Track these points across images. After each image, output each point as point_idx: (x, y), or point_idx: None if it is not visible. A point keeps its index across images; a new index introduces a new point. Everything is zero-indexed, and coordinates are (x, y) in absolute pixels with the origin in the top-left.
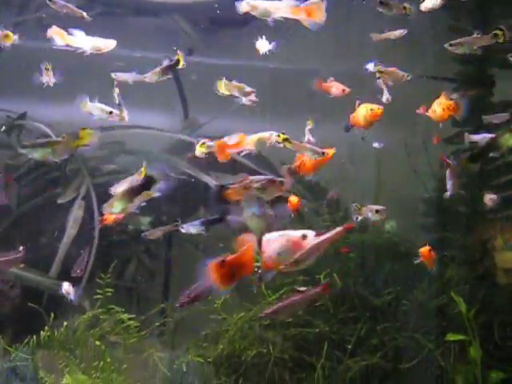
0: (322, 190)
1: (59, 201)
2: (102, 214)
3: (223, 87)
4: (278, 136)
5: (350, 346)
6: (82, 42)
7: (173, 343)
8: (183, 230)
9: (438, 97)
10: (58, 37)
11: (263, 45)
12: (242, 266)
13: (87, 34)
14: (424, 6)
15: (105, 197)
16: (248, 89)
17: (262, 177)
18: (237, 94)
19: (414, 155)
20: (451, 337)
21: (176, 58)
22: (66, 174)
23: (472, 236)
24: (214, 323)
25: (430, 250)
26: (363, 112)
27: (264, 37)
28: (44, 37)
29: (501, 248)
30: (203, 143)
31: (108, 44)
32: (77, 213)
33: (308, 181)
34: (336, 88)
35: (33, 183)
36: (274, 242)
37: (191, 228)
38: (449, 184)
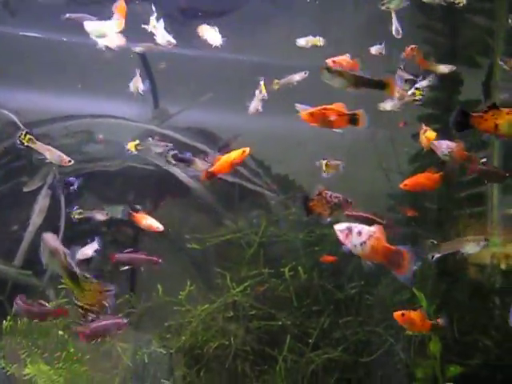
0: (290, 184)
1: (25, 189)
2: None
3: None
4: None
5: (312, 340)
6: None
7: (136, 334)
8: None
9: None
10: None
11: (214, 37)
12: None
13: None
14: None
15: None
16: None
17: (339, 195)
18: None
19: (382, 150)
20: (411, 331)
21: None
22: (33, 163)
23: (437, 232)
24: (178, 315)
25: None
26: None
27: (217, 29)
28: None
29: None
30: None
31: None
32: (42, 202)
33: (276, 174)
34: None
35: None
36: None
37: (112, 212)
38: None
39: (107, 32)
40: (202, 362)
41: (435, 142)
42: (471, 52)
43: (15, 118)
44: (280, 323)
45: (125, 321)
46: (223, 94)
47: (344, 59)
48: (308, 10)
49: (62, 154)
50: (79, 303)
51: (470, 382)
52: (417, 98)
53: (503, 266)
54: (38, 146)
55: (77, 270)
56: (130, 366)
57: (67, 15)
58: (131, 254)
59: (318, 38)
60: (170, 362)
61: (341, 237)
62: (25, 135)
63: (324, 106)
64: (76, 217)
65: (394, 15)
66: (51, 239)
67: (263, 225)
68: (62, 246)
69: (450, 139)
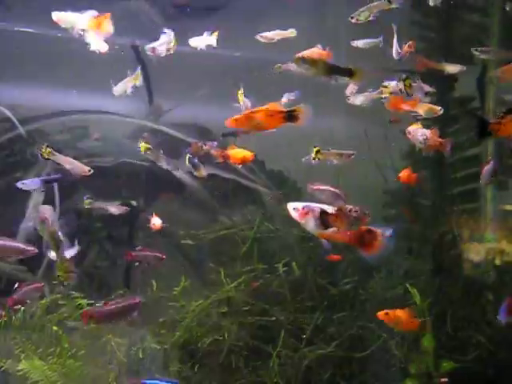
0: (284, 180)
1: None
2: None
3: None
4: None
5: (305, 335)
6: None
7: (131, 330)
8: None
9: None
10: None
11: (200, 41)
12: None
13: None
14: None
15: (66, 182)
16: None
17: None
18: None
19: (376, 147)
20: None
21: None
22: (27, 159)
23: (431, 228)
24: (173, 310)
25: None
26: None
27: (206, 33)
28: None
29: (468, 240)
30: None
31: None
32: (37, 198)
33: (270, 170)
34: None
35: None
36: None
37: (29, 184)
38: None
39: (76, 23)
40: (196, 357)
41: (410, 130)
42: (465, 49)
43: (10, 114)
44: (274, 319)
45: (137, 300)
46: (217, 90)
47: (316, 51)
48: (301, 5)
49: (83, 165)
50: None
51: (464, 377)
52: (383, 96)
53: (498, 262)
54: (58, 157)
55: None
56: (124, 361)
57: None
58: (144, 252)
59: (290, 30)
60: (165, 357)
61: (295, 215)
62: (45, 148)
63: (250, 110)
64: (86, 207)
65: (395, 37)
66: (46, 210)
67: (257, 221)
68: (53, 217)
69: (443, 136)
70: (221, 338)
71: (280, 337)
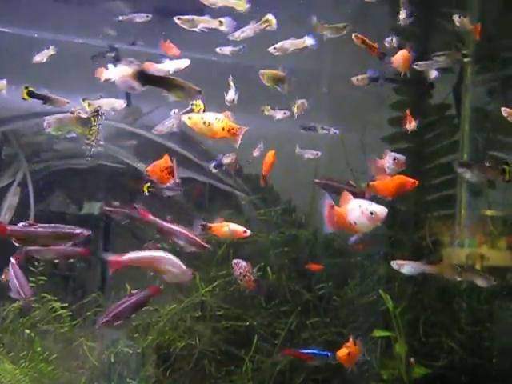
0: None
1: None
2: None
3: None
4: None
5: (277, 341)
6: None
7: (103, 333)
8: None
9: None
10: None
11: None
12: None
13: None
14: None
15: (42, 183)
16: None
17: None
18: None
19: (352, 153)
20: (377, 333)
21: None
22: (2, 159)
23: (407, 234)
24: (146, 314)
25: None
26: None
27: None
28: None
29: (447, 245)
30: None
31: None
32: (11, 199)
33: (247, 174)
34: None
35: None
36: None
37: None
38: None
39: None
40: (168, 361)
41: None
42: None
43: None
44: (247, 323)
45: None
46: None
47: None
48: (286, 7)
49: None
50: None
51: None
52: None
53: (478, 267)
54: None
55: None
56: (96, 365)
57: None
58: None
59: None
60: (137, 361)
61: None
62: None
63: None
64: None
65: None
66: None
67: None
68: None
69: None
70: (194, 342)
71: (253, 342)
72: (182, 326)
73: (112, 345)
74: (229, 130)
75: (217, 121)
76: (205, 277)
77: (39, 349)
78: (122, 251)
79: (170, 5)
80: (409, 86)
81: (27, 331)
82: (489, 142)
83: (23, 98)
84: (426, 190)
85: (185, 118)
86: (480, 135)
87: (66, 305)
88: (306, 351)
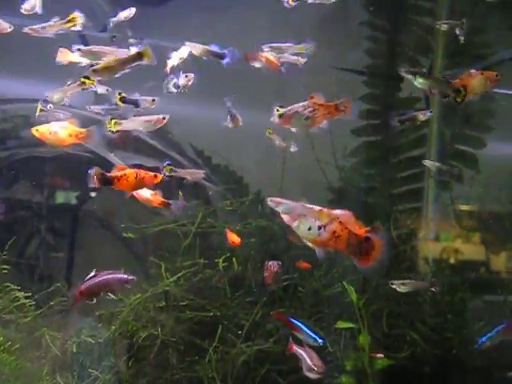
0: (230, 174)
1: None
2: None
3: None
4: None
5: (241, 331)
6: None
7: (66, 323)
8: None
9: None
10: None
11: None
12: None
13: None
14: None
15: (7, 171)
16: None
17: None
18: None
19: (319, 144)
20: (341, 324)
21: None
22: None
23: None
24: (111, 304)
25: None
26: None
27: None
28: None
29: (423, 238)
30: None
31: None
32: None
33: (216, 164)
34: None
35: None
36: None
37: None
38: None
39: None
40: (131, 351)
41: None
42: (412, 50)
43: None
44: (211, 314)
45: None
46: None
47: None
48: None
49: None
50: None
51: (398, 375)
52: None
53: (452, 261)
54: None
55: None
56: (58, 355)
57: None
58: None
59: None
60: (100, 351)
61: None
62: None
63: None
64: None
65: None
66: None
67: (200, 215)
68: None
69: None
70: (157, 332)
71: (217, 332)
72: (145, 316)
73: (75, 334)
74: (77, 136)
75: (62, 129)
76: (170, 267)
77: (1, 338)
78: (91, 242)
79: None
80: (378, 79)
81: None
82: (456, 135)
83: (116, 104)
84: (394, 183)
85: (33, 130)
86: (448, 129)
87: (30, 294)
88: (296, 322)
